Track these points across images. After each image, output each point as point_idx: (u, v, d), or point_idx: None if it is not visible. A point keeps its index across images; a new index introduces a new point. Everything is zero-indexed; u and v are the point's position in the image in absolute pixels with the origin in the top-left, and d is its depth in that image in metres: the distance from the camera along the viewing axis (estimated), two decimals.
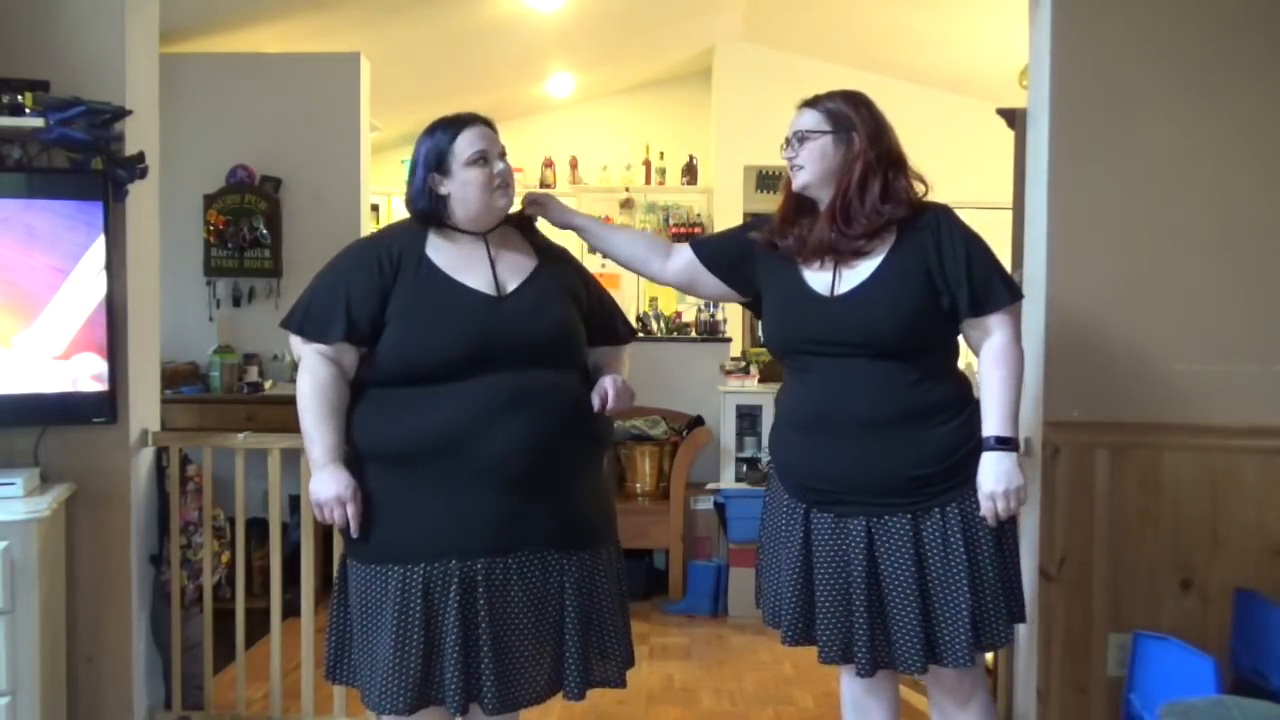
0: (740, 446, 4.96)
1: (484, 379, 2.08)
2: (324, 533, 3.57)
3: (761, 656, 4.11)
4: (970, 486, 2.15)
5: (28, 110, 2.76)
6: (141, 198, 3.05)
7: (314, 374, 2.13)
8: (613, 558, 2.25)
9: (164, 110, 3.23)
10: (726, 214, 7.73)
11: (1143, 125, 2.86)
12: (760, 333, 5.42)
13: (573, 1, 5.73)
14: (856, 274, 2.20)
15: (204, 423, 4.66)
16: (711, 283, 2.40)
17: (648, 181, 8.13)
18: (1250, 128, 2.84)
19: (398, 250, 2.16)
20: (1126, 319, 2.86)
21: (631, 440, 5.03)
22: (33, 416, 2.84)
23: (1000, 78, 5.73)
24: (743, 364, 5.16)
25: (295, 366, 2.24)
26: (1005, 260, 2.39)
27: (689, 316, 5.90)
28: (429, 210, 2.20)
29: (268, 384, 5.00)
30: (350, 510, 2.10)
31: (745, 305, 2.47)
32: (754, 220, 2.45)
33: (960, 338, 2.27)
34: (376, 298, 2.12)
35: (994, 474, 2.12)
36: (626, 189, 8.03)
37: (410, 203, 2.23)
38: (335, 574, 2.26)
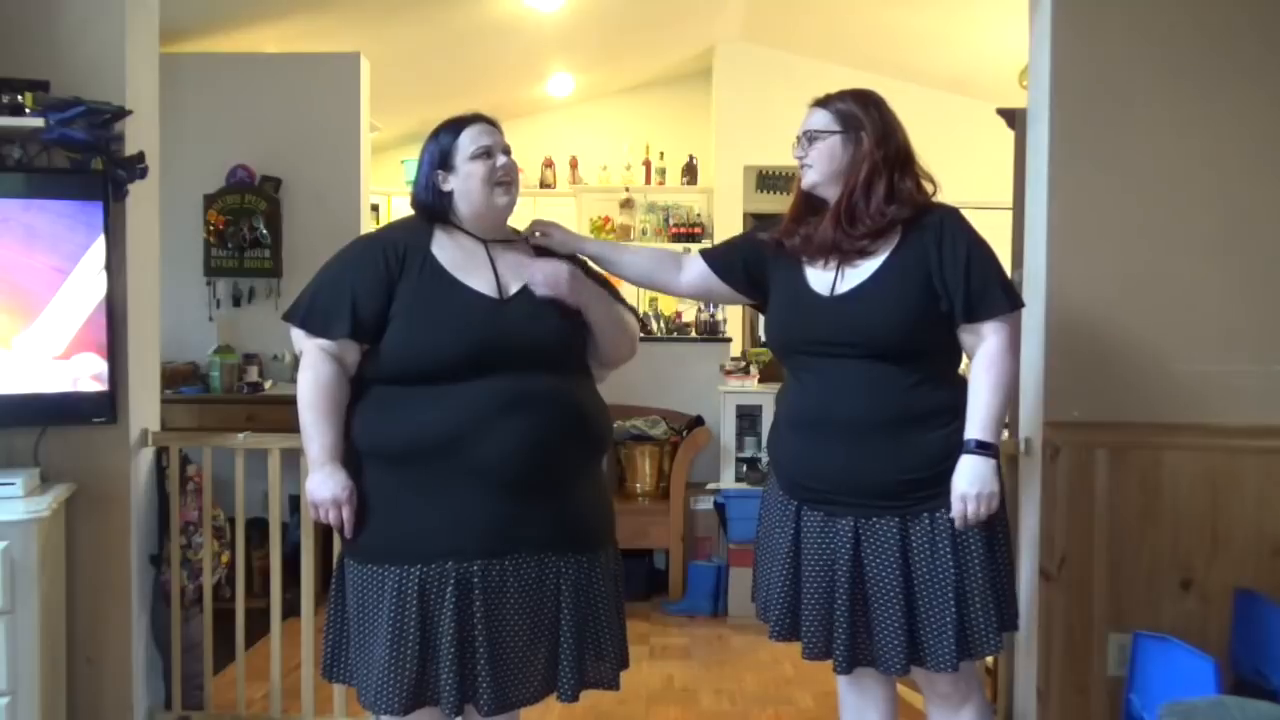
0: (740, 446, 4.96)
1: (484, 381, 2.08)
2: (324, 533, 3.57)
3: (761, 656, 4.11)
4: None
5: (28, 110, 2.76)
6: (141, 198, 3.05)
7: (316, 370, 2.13)
8: (610, 560, 2.25)
9: (164, 110, 3.23)
10: (726, 214, 7.73)
11: (1143, 125, 2.86)
12: (761, 332, 5.44)
13: (573, 1, 5.73)
14: (858, 274, 2.19)
15: (204, 423, 4.66)
16: (725, 290, 2.41)
17: (648, 181, 8.13)
18: (1250, 127, 2.84)
19: (403, 246, 2.16)
20: (1126, 319, 2.86)
21: (631, 440, 5.03)
22: (33, 416, 2.84)
23: (1000, 78, 5.74)
24: (743, 364, 5.16)
25: (295, 366, 2.24)
26: (1005, 260, 2.39)
27: (689, 316, 5.90)
28: (433, 206, 2.21)
29: (268, 384, 5.00)
30: (345, 512, 2.10)
31: (757, 309, 2.47)
32: (760, 225, 2.44)
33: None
34: (382, 294, 2.12)
35: (969, 476, 2.10)
36: (626, 189, 8.04)
37: (415, 200, 2.24)
38: (333, 573, 2.26)
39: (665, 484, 4.99)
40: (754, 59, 7.60)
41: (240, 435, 3.21)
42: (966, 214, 2.25)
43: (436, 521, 2.07)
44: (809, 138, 2.25)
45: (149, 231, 3.16)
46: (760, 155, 7.55)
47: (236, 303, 5.17)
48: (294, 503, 3.65)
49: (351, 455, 2.14)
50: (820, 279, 2.23)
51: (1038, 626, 2.89)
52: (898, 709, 2.41)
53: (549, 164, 8.27)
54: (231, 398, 4.88)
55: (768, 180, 7.77)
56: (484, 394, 2.07)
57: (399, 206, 7.86)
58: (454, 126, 2.22)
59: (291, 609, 3.33)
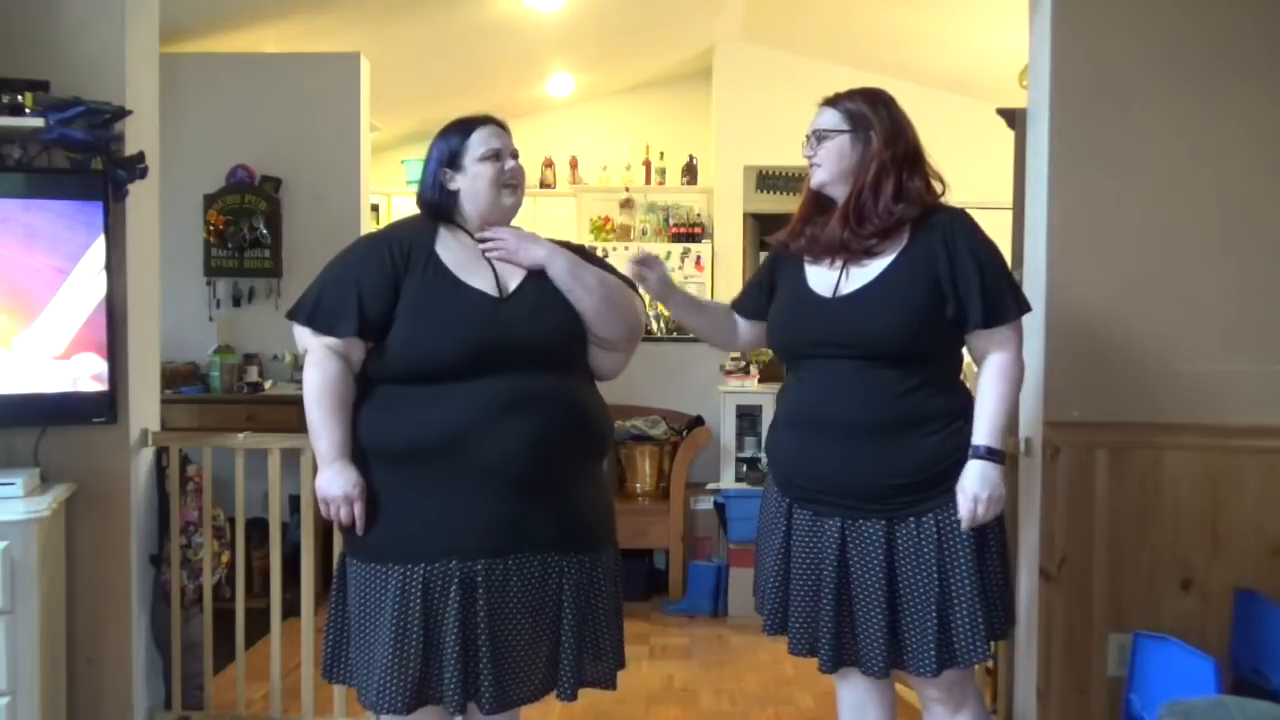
0: (740, 446, 4.96)
1: (486, 380, 2.08)
2: (324, 532, 3.57)
3: (761, 656, 4.11)
4: (950, 499, 2.13)
5: (28, 110, 2.76)
6: (141, 198, 3.05)
7: (323, 368, 2.12)
8: (611, 560, 2.25)
9: (164, 110, 3.23)
10: (726, 214, 7.74)
11: (1143, 125, 2.86)
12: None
13: (573, 1, 5.73)
14: (864, 274, 2.19)
15: (204, 423, 4.66)
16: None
17: (648, 181, 8.13)
18: (1250, 127, 2.84)
19: (408, 245, 2.16)
20: (1126, 319, 2.86)
21: (631, 440, 5.03)
22: (33, 416, 2.84)
23: (1000, 78, 5.74)
24: (743, 364, 5.16)
25: (296, 366, 2.24)
26: (1006, 260, 2.38)
27: None
28: (438, 204, 2.21)
29: (268, 384, 4.99)
30: (356, 509, 2.10)
31: None
32: (773, 251, 2.42)
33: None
34: (388, 292, 2.12)
35: (979, 479, 2.11)
36: (626, 189, 8.04)
37: (421, 198, 2.25)
38: (334, 572, 2.26)
39: (665, 484, 4.99)
40: (754, 59, 7.60)
41: (240, 435, 3.21)
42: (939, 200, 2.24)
43: (440, 520, 2.07)
44: (818, 137, 2.24)
45: (149, 231, 3.16)
46: (760, 155, 7.55)
47: (236, 303, 5.17)
48: (294, 503, 3.65)
49: (355, 453, 2.13)
50: (823, 280, 2.23)
51: (1038, 626, 2.89)
52: (896, 709, 2.41)
53: (549, 164, 8.27)
54: (231, 398, 4.88)
55: (768, 180, 7.77)
56: (486, 394, 2.07)
57: (399, 206, 7.86)
58: (464, 127, 2.22)
59: (291, 609, 3.33)
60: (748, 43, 7.58)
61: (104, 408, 2.89)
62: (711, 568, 4.77)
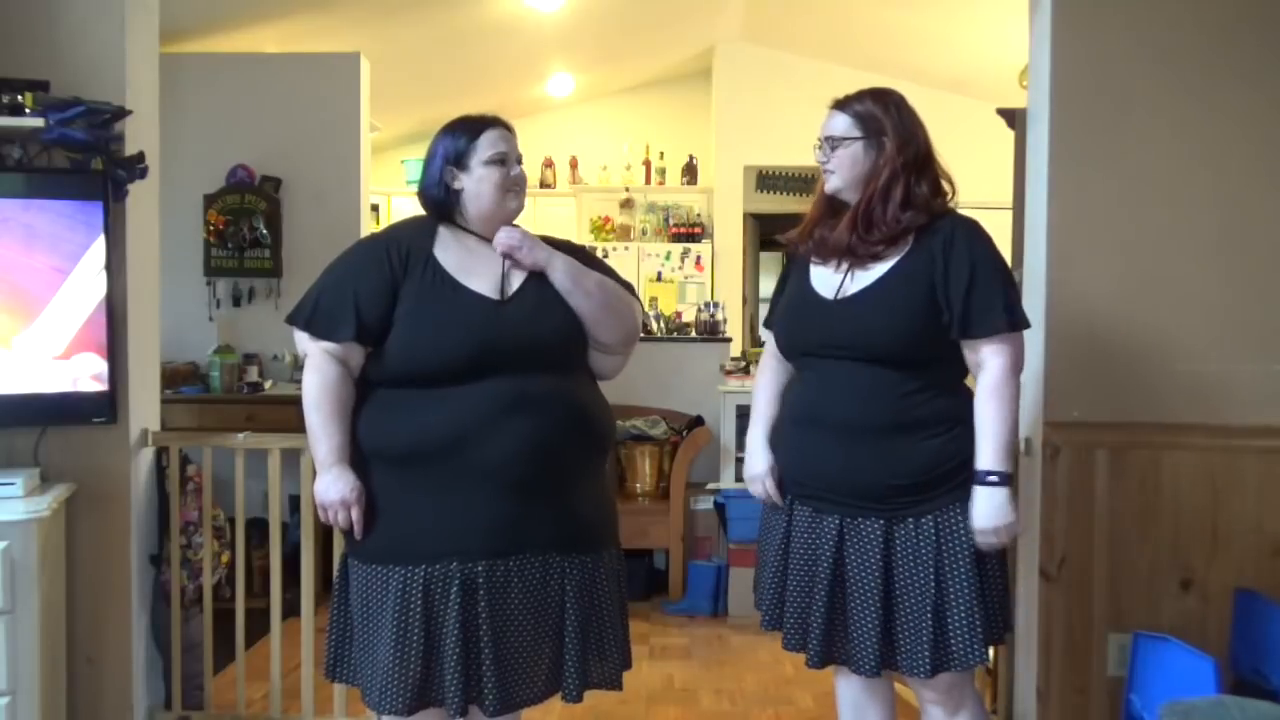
0: (740, 446, 4.94)
1: (487, 382, 2.08)
2: (324, 533, 3.57)
3: (761, 656, 4.11)
4: (950, 500, 2.13)
5: (28, 110, 2.76)
6: (141, 198, 3.05)
7: (321, 373, 2.12)
8: (614, 560, 2.25)
9: (164, 110, 3.23)
10: (726, 214, 7.74)
11: (1143, 125, 2.85)
12: (761, 333, 5.43)
13: (573, 1, 5.73)
14: (867, 277, 2.18)
15: (204, 423, 4.66)
16: None
17: (648, 181, 8.14)
18: (1250, 127, 2.84)
19: (406, 248, 2.16)
20: (1126, 319, 2.86)
21: (631, 440, 5.03)
22: (33, 416, 2.84)
23: (1000, 78, 5.74)
24: (743, 364, 5.16)
25: (295, 366, 2.24)
26: (1009, 273, 2.34)
27: (689, 316, 5.89)
28: (440, 202, 2.21)
29: (268, 384, 4.99)
30: (355, 513, 2.10)
31: None
32: (786, 254, 2.40)
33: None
34: (386, 297, 2.12)
35: (986, 511, 2.10)
36: (626, 189, 8.04)
37: (423, 193, 2.23)
38: (336, 573, 2.26)
39: (665, 484, 4.99)
40: (754, 59, 7.61)
41: (240, 435, 3.21)
42: (967, 214, 2.23)
43: (441, 522, 2.07)
44: (831, 144, 2.23)
45: (149, 231, 3.16)
46: (760, 155, 7.56)
47: (236, 303, 5.17)
48: (294, 503, 3.65)
49: (355, 457, 2.13)
50: (827, 281, 2.23)
51: (1038, 626, 2.89)
52: (896, 709, 2.41)
53: (549, 164, 8.27)
54: (231, 398, 4.88)
55: (768, 180, 7.78)
56: (487, 395, 2.07)
57: (399, 206, 7.86)
58: (473, 127, 2.21)
59: (291, 609, 3.33)
60: (748, 43, 7.58)
61: (104, 408, 2.89)
62: (711, 568, 4.77)
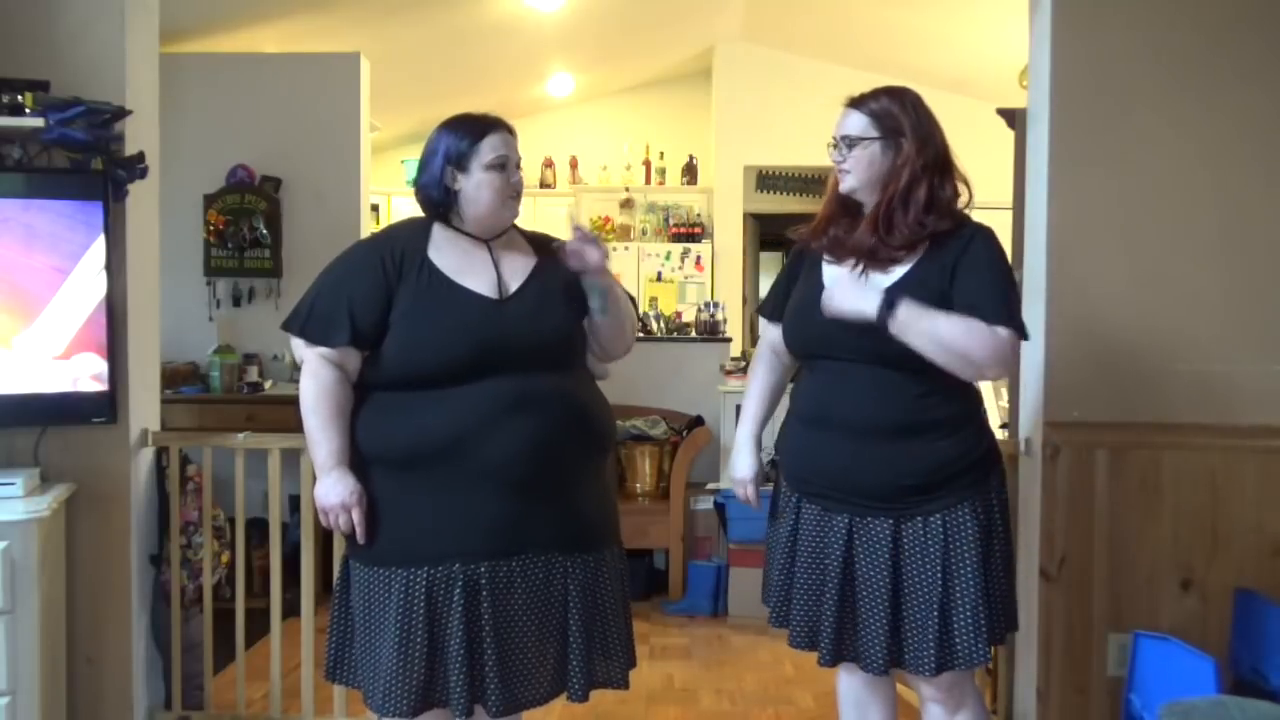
0: None
1: (487, 382, 2.07)
2: (324, 533, 3.57)
3: (761, 656, 4.11)
4: (958, 500, 2.13)
5: (28, 110, 2.76)
6: (141, 198, 3.05)
7: (318, 378, 2.12)
8: (616, 559, 2.25)
9: (164, 110, 3.23)
10: (726, 214, 7.74)
11: (1143, 125, 2.86)
12: (759, 331, 5.43)
13: (573, 1, 5.73)
14: (882, 280, 2.16)
15: (204, 423, 4.66)
16: None
17: (648, 181, 8.14)
18: (1250, 127, 2.84)
19: (400, 251, 2.15)
20: (1126, 319, 2.86)
21: (631, 440, 5.03)
22: (33, 416, 2.84)
23: (1000, 78, 5.74)
24: (742, 364, 5.16)
25: (295, 366, 2.24)
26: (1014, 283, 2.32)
27: (689, 316, 5.89)
28: (438, 201, 2.19)
29: (268, 384, 5.00)
30: (355, 516, 2.09)
31: None
32: (795, 248, 2.39)
33: None
34: (380, 301, 2.11)
35: (850, 289, 2.10)
36: (626, 189, 8.04)
37: (421, 190, 2.21)
38: (337, 574, 2.26)
39: (665, 484, 4.99)
40: (754, 59, 7.60)
41: (240, 435, 3.21)
42: (973, 217, 2.22)
43: (442, 523, 2.07)
44: (847, 143, 2.20)
45: (149, 231, 3.16)
46: (760, 155, 7.56)
47: (236, 303, 5.17)
48: (294, 503, 3.65)
49: (355, 460, 2.13)
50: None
51: (1038, 626, 2.89)
52: (897, 709, 2.41)
53: (549, 164, 8.27)
54: (231, 398, 4.88)
55: (768, 180, 7.78)
56: (487, 395, 2.07)
57: (399, 206, 7.87)
58: (475, 128, 2.18)
59: (291, 609, 3.34)
60: (748, 43, 7.58)
61: (104, 408, 2.89)
62: (711, 568, 4.77)
